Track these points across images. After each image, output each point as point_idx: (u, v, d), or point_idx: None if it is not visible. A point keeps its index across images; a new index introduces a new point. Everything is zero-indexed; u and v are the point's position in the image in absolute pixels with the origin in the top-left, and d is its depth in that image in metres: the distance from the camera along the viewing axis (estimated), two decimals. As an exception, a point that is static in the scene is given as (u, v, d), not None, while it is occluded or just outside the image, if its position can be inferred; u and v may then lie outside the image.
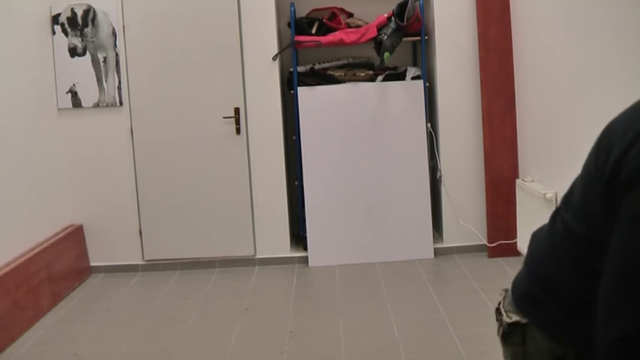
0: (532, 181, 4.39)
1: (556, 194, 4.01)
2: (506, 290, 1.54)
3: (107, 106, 4.97)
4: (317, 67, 5.03)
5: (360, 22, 5.03)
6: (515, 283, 1.50)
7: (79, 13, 4.89)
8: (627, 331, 1.04)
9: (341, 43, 4.85)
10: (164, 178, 4.99)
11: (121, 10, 4.89)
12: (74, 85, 4.94)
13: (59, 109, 4.96)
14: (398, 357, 3.32)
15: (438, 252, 5.00)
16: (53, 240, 4.58)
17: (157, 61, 4.94)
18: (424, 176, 4.94)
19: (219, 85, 4.92)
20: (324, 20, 4.98)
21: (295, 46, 4.91)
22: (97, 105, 4.97)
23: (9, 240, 4.10)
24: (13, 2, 4.40)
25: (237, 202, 4.98)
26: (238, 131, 4.96)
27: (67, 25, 4.90)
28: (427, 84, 4.98)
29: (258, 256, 5.05)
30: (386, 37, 4.74)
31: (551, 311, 1.37)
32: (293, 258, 5.03)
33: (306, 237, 4.99)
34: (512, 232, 4.68)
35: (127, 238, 5.05)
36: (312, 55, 5.14)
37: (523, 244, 4.51)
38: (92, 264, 5.08)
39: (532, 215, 4.30)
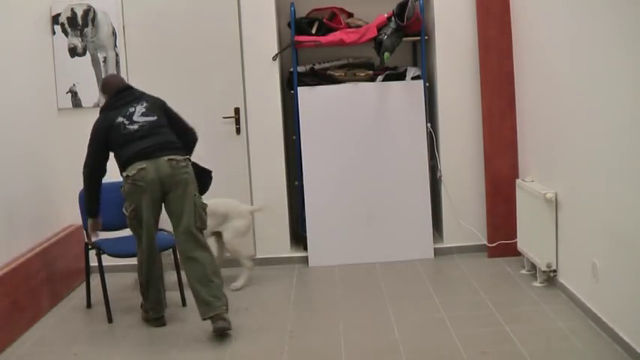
0: (532, 181, 4.38)
1: (556, 194, 4.01)
2: None
3: (107, 106, 4.96)
4: (317, 67, 5.03)
5: (360, 22, 5.03)
6: None
7: (79, 13, 4.89)
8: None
9: (341, 43, 4.85)
10: (164, 178, 4.98)
11: (121, 10, 4.89)
12: (74, 85, 4.94)
13: (59, 109, 4.96)
14: (398, 357, 3.31)
15: (438, 252, 5.00)
16: (53, 240, 4.57)
17: (157, 61, 4.94)
18: (424, 176, 4.94)
19: (219, 85, 4.92)
20: (324, 20, 4.98)
21: (295, 46, 4.91)
22: (97, 105, 4.95)
23: (9, 240, 4.09)
24: (13, 2, 4.40)
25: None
26: (238, 131, 4.96)
27: (67, 25, 4.90)
28: (427, 84, 4.98)
29: (258, 256, 5.04)
30: (386, 37, 4.74)
31: None
32: (293, 258, 5.03)
33: (306, 237, 4.98)
34: (512, 232, 4.67)
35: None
36: (312, 55, 5.13)
37: (523, 244, 4.51)
38: (92, 264, 5.06)
39: (532, 215, 4.30)
